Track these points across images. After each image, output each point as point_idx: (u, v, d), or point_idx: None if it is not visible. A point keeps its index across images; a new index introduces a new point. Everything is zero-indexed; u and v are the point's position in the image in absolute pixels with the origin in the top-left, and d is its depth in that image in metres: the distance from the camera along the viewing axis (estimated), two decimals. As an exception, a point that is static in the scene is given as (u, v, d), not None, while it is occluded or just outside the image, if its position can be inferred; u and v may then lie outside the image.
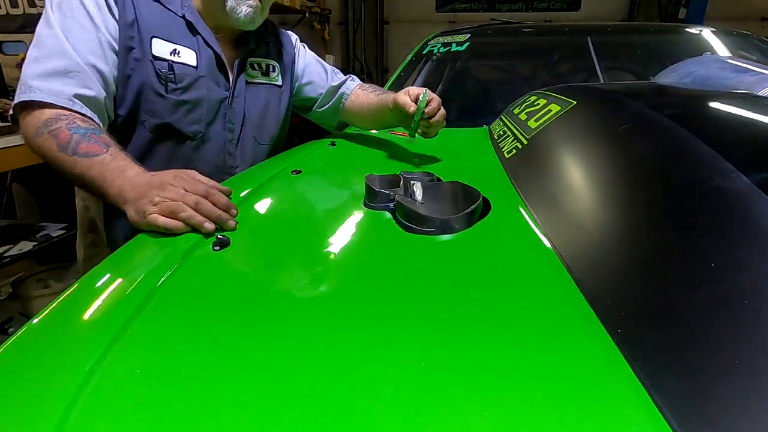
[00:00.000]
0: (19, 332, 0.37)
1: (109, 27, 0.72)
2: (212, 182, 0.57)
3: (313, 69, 1.02)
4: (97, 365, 0.32)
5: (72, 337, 0.36)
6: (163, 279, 0.42)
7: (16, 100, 0.68)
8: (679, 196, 0.36)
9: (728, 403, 0.23)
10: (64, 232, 1.86)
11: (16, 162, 1.69)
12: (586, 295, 0.35)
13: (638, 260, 0.34)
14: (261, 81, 0.91)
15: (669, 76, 0.80)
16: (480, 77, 1.61)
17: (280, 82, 0.94)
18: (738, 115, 0.48)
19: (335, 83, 1.03)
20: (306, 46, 1.05)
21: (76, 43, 0.68)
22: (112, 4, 0.72)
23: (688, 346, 0.27)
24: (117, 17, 0.73)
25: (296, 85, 1.01)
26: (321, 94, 1.03)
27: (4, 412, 0.29)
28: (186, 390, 0.30)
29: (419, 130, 0.84)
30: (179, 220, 0.50)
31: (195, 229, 0.51)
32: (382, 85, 1.32)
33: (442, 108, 0.81)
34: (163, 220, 0.50)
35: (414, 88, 0.84)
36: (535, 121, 0.73)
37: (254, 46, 0.89)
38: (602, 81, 1.27)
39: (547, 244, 0.45)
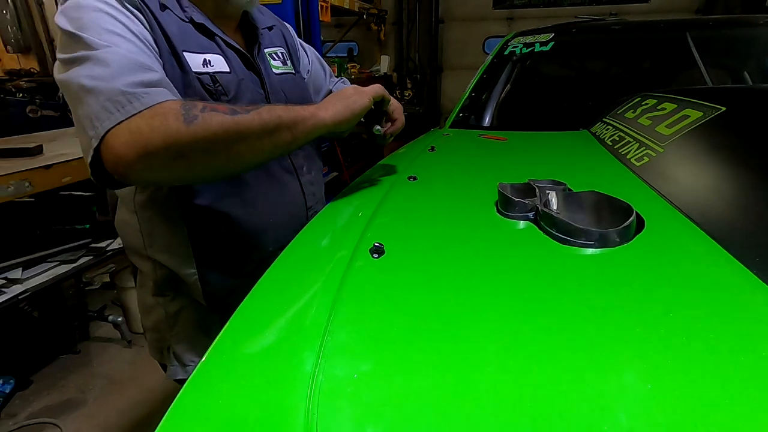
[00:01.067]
0: (214, 344, 0.40)
1: (149, 40, 0.60)
2: None
3: (316, 67, 0.95)
4: (316, 369, 0.35)
5: (282, 345, 0.39)
6: (339, 287, 0.45)
7: (106, 125, 0.50)
8: None
9: None
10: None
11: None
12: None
13: None
14: (284, 71, 0.81)
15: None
16: (570, 78, 1.56)
17: (294, 70, 0.85)
18: None
19: (330, 86, 0.99)
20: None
21: (134, 56, 0.54)
22: (141, 17, 0.60)
23: None
24: (151, 31, 0.60)
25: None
26: (320, 95, 0.96)
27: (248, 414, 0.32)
28: (400, 387, 0.31)
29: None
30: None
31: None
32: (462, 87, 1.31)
33: (400, 118, 0.81)
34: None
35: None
36: (668, 127, 0.70)
37: (261, 33, 0.77)
38: (708, 81, 1.19)
39: (722, 249, 0.43)
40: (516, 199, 0.59)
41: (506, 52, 1.54)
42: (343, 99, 0.66)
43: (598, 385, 0.30)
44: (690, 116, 0.66)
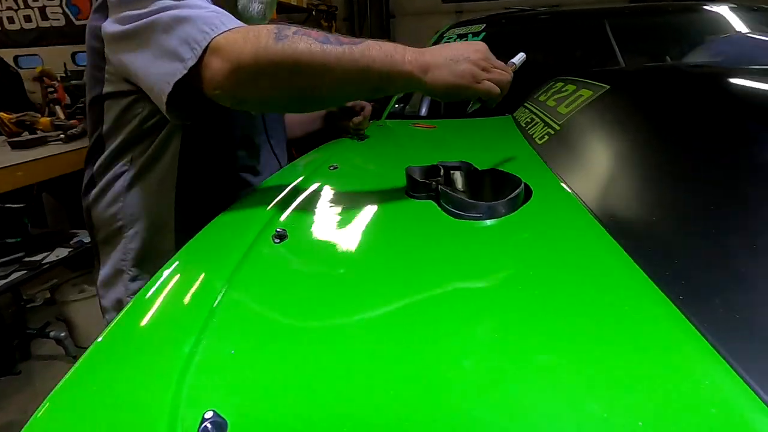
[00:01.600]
0: (111, 325, 0.40)
1: None
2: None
3: None
4: (195, 347, 0.35)
5: (165, 324, 0.39)
6: (234, 270, 0.45)
7: (204, 42, 0.53)
8: (733, 168, 0.38)
9: None
10: (95, 237, 1.92)
11: (48, 172, 1.75)
12: (642, 266, 0.37)
13: (692, 231, 0.36)
14: None
15: (700, 56, 0.81)
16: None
17: None
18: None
19: None
20: None
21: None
22: None
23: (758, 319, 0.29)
24: None
25: None
26: None
27: (115, 397, 0.32)
28: (277, 366, 0.33)
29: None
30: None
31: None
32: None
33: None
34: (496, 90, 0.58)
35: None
36: (566, 106, 0.74)
37: None
38: (622, 64, 1.27)
39: (594, 219, 0.47)
40: (420, 180, 0.61)
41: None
42: (458, 71, 0.57)
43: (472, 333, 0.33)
44: (583, 95, 0.71)
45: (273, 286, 0.44)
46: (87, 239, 1.95)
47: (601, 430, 0.24)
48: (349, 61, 0.54)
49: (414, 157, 0.86)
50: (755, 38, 0.73)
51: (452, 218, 0.53)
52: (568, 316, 0.34)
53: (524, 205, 0.54)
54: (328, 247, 0.51)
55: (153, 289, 0.45)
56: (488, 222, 0.52)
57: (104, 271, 0.80)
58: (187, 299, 0.43)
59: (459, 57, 0.57)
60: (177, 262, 0.51)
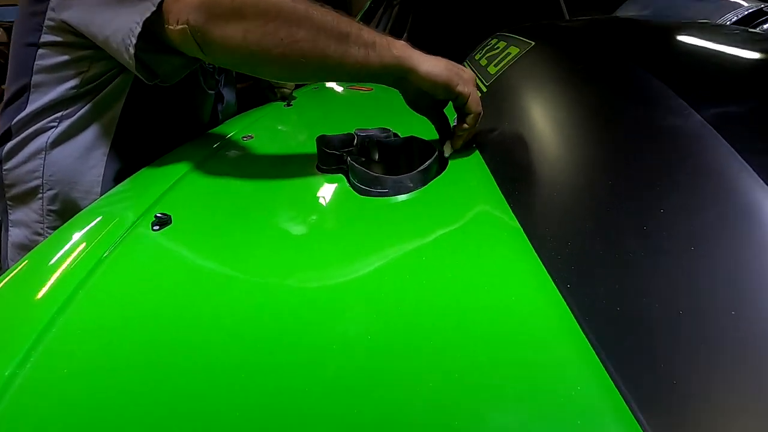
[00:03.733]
0: None
1: None
2: None
3: None
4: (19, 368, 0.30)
5: (18, 309, 0.34)
6: (104, 256, 0.40)
7: None
8: (629, 137, 0.34)
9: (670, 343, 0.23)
10: None
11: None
12: (536, 245, 0.34)
13: (587, 208, 0.33)
14: None
15: (629, 9, 0.77)
16: (445, 20, 1.53)
17: None
18: (693, 48, 0.46)
19: None
20: None
21: None
22: None
23: (636, 298, 0.26)
24: None
25: None
26: None
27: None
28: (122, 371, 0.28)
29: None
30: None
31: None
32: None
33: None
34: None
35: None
36: (495, 66, 0.69)
37: None
38: (567, 18, 1.22)
39: (501, 195, 0.44)
40: (329, 152, 0.56)
41: (383, -4, 1.47)
42: (447, 63, 0.54)
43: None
44: (511, 53, 0.66)
45: (138, 284, 0.38)
46: None
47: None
48: (331, 22, 0.49)
49: (338, 124, 0.80)
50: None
51: (358, 195, 0.49)
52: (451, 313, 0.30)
53: (437, 178, 0.50)
54: (214, 234, 0.45)
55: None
56: (397, 198, 0.47)
57: (15, 232, 0.72)
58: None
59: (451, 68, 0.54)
60: (36, 254, 0.44)
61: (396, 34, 1.42)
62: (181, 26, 0.48)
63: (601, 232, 0.30)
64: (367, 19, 1.45)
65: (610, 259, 0.28)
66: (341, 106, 0.90)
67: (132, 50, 0.51)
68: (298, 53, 0.48)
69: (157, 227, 0.45)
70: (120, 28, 0.52)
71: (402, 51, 0.52)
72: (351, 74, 0.51)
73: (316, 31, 0.48)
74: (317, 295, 0.34)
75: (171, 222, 0.46)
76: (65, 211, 0.70)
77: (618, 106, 0.38)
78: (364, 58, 0.50)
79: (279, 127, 0.80)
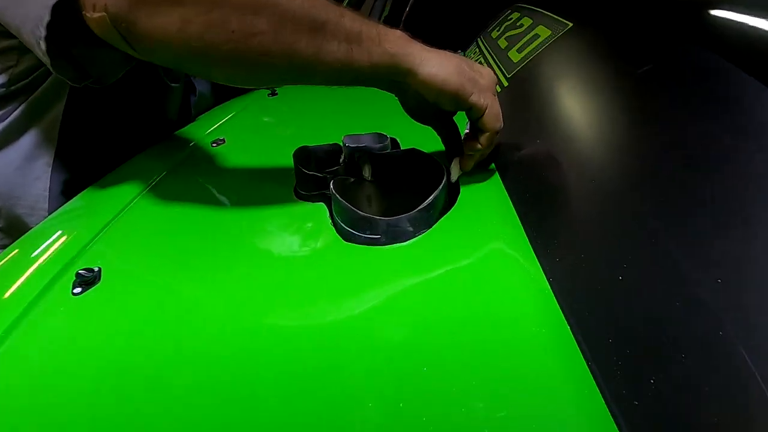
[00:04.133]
0: None
1: None
2: None
3: None
4: None
5: None
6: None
7: None
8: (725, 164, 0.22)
9: None
10: None
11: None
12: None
13: (672, 278, 0.21)
14: None
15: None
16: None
17: None
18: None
19: None
20: None
21: None
22: None
23: None
24: None
25: None
26: None
27: None
28: None
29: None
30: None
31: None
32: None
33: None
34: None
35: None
36: (518, 51, 0.56)
37: None
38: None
39: (528, 246, 0.32)
40: (309, 173, 0.44)
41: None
42: (459, 62, 0.40)
43: None
44: (540, 35, 0.52)
45: (47, 366, 0.28)
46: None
47: None
48: (299, 7, 0.35)
49: (329, 120, 0.67)
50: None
51: (342, 240, 0.37)
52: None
53: (446, 215, 0.38)
54: (150, 295, 0.34)
55: None
56: (393, 246, 0.36)
57: None
58: None
59: (463, 70, 0.39)
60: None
61: (394, 18, 1.26)
62: (99, 14, 0.36)
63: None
64: (357, 3, 1.28)
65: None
66: (334, 96, 0.76)
67: (43, 44, 0.39)
68: (256, 50, 0.35)
69: (79, 290, 0.35)
70: (29, 17, 0.40)
71: (397, 46, 0.38)
72: (329, 77, 0.38)
73: (280, 20, 0.35)
74: (277, 388, 0.23)
75: (100, 279, 0.36)
76: (11, 228, 0.60)
77: (709, 121, 0.25)
78: (346, 55, 0.37)
79: (258, 126, 0.68)
